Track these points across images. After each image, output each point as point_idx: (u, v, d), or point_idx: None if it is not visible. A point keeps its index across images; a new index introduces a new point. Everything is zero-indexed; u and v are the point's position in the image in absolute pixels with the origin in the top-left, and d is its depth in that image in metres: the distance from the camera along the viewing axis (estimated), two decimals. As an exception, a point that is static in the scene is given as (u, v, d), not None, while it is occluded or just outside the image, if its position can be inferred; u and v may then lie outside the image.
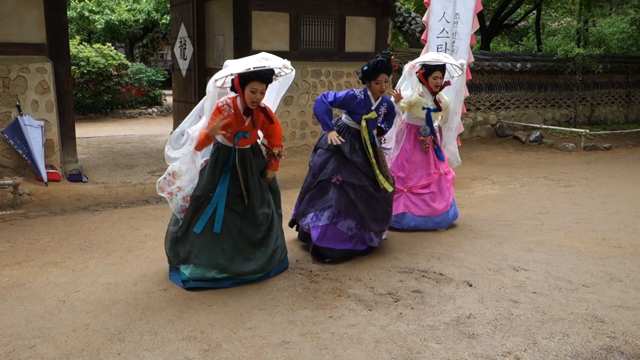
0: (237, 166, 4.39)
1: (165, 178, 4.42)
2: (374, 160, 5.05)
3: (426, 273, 4.83)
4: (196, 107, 4.54)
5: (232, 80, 4.30)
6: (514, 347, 3.58)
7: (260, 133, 4.65)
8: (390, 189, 5.12)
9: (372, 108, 5.05)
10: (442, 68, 5.75)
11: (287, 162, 9.18)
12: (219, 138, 4.40)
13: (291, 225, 5.57)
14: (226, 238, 4.41)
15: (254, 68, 4.12)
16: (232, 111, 4.28)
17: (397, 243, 5.60)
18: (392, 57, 5.01)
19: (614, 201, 7.52)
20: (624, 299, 4.32)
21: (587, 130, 12.16)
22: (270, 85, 4.40)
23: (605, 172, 9.55)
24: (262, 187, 4.60)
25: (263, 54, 4.32)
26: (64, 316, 3.91)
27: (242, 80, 4.20)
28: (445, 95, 6.06)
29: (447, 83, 5.90)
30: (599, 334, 3.77)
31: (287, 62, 4.42)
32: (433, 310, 4.10)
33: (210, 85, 4.30)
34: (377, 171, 5.06)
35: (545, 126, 12.76)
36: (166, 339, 3.63)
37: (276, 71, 4.42)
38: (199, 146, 4.26)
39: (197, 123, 4.41)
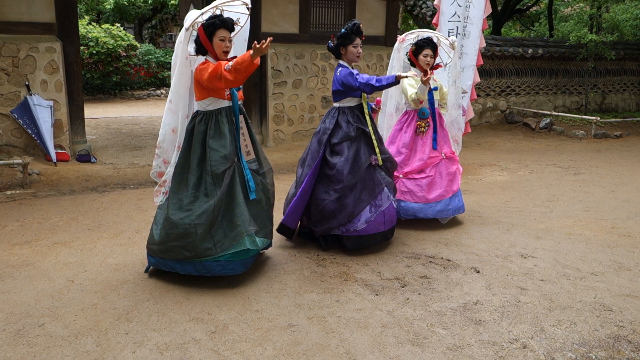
0: (243, 121, 4.34)
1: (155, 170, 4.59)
2: (371, 129, 4.96)
3: (433, 259, 4.82)
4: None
5: (197, 42, 4.07)
6: (520, 334, 3.58)
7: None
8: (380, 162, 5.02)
9: None
10: (433, 47, 5.62)
11: (295, 145, 9.16)
12: (210, 105, 4.19)
13: (280, 231, 5.04)
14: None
15: (219, 6, 4.02)
16: None
17: (404, 228, 5.58)
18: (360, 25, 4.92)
19: (624, 189, 7.47)
20: (633, 288, 4.30)
21: (598, 118, 12.06)
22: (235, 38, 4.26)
23: (616, 160, 9.48)
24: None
25: (217, 2, 4.13)
26: (73, 295, 3.94)
27: (208, 32, 4.01)
28: (438, 79, 5.91)
29: (439, 65, 5.78)
30: (606, 322, 3.76)
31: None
32: (440, 296, 4.10)
33: (181, 35, 4.04)
34: (376, 142, 4.98)
35: (556, 113, 12.67)
36: (173, 319, 3.65)
37: (235, 18, 4.19)
38: (247, 71, 3.87)
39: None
